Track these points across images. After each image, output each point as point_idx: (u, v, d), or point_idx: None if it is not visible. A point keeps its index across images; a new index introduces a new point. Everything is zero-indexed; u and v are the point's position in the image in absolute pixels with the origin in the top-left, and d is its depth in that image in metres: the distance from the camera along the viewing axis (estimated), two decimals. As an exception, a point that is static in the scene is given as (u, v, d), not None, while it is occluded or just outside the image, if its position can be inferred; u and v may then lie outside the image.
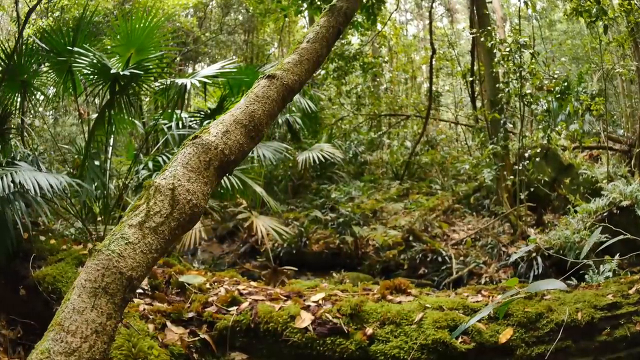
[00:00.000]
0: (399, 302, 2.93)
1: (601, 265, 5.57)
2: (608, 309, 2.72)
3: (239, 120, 2.25)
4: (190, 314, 2.72)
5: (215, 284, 3.16)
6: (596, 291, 2.93)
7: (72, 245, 3.92)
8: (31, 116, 10.29)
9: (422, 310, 2.75)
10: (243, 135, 2.24)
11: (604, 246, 2.78)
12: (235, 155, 2.21)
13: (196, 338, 2.58)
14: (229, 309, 2.80)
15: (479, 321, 2.61)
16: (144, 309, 2.64)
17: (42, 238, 3.94)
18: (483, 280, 7.43)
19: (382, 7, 8.25)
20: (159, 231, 1.82)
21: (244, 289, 3.04)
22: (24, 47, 4.89)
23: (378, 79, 16.72)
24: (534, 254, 7.26)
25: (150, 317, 2.58)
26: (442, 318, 2.66)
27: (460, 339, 2.57)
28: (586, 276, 5.55)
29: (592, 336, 2.66)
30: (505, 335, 2.58)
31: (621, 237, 2.84)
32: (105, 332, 1.51)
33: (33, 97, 5.54)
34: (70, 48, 4.86)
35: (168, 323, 2.57)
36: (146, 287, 2.92)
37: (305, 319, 2.71)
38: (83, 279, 1.59)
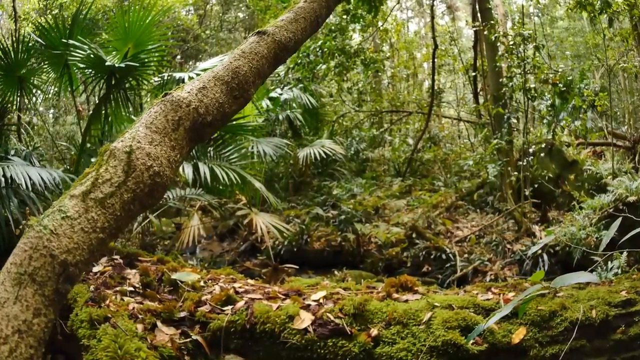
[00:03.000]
0: (406, 301, 2.76)
1: (609, 262, 5.47)
2: (622, 306, 2.60)
3: (220, 77, 1.92)
4: (182, 314, 2.56)
5: (210, 281, 3.01)
6: (609, 288, 2.81)
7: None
8: (31, 115, 10.22)
9: (431, 310, 2.59)
10: (224, 94, 1.90)
11: (622, 240, 2.65)
12: (213, 115, 1.86)
13: (188, 339, 2.42)
14: (224, 309, 2.64)
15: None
16: (134, 308, 2.49)
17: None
18: (488, 278, 7.32)
19: (384, 2, 8.13)
20: (107, 204, 1.47)
21: (240, 287, 2.89)
22: (20, 43, 4.81)
23: (380, 74, 16.61)
24: (539, 251, 7.15)
25: (140, 316, 2.43)
26: (453, 318, 2.50)
27: (471, 340, 2.43)
28: (594, 273, 5.44)
29: (606, 335, 2.54)
30: (519, 335, 2.44)
31: (630, 233, 2.71)
32: (32, 333, 1.18)
33: (31, 94, 5.47)
34: (65, 41, 4.78)
35: (158, 323, 2.42)
36: (137, 285, 2.79)
37: (304, 319, 2.55)
38: (9, 262, 1.29)
